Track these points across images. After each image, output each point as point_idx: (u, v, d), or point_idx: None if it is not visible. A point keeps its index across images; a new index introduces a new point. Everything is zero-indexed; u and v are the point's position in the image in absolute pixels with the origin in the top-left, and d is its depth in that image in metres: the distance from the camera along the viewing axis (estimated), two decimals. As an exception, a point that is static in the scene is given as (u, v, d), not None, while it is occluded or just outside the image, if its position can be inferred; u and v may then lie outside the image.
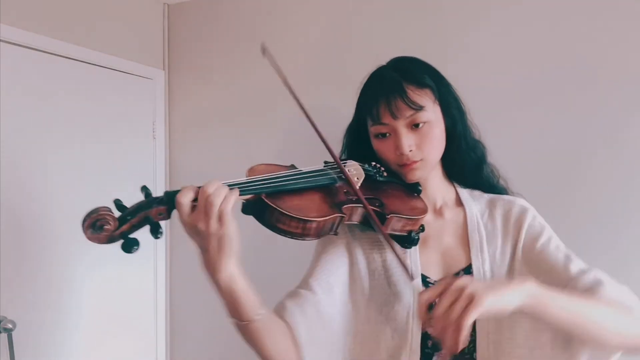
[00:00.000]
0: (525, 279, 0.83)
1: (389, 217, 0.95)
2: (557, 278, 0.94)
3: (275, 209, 0.83)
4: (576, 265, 0.95)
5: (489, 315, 0.77)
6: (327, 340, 0.98)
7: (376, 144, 1.05)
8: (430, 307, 0.79)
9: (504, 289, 0.78)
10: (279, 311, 0.94)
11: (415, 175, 1.03)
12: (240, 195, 0.82)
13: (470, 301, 0.74)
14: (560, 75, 1.60)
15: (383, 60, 1.11)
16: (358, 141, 1.10)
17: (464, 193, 1.10)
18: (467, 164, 1.09)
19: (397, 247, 1.01)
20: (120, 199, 0.80)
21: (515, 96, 1.65)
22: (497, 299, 0.76)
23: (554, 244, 0.99)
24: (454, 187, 1.12)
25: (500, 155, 1.17)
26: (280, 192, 0.87)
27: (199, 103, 2.25)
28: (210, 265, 0.81)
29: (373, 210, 0.95)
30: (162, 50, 2.32)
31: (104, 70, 2.04)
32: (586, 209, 1.57)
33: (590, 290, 0.89)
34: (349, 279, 1.03)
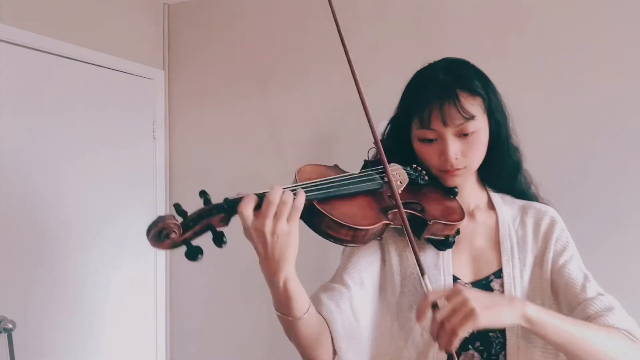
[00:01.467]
0: (526, 302, 0.87)
1: (430, 223, 0.96)
2: (572, 296, 0.97)
3: (327, 215, 0.84)
4: (593, 288, 0.98)
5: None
6: (360, 334, 1.00)
7: (420, 147, 1.04)
8: (434, 306, 0.83)
9: (502, 310, 0.83)
10: (315, 305, 0.95)
11: (455, 182, 1.04)
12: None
13: (468, 316, 0.79)
14: (569, 74, 1.60)
15: (384, 63, 1.09)
16: (398, 139, 1.09)
17: (496, 197, 1.11)
18: (504, 170, 1.09)
19: (432, 249, 1.03)
20: (181, 204, 0.79)
21: (529, 97, 1.64)
22: (493, 319, 0.81)
23: (576, 262, 1.01)
24: (487, 191, 1.13)
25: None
26: (332, 197, 0.87)
27: (199, 103, 2.25)
28: (270, 267, 0.82)
29: (414, 215, 0.96)
30: (162, 50, 2.32)
31: (104, 70, 2.04)
32: (601, 210, 1.56)
33: (600, 314, 0.92)
34: (380, 276, 1.04)
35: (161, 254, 2.24)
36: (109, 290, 2.01)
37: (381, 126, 1.10)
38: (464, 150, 1.00)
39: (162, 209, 2.22)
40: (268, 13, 2.10)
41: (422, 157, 1.04)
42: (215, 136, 2.21)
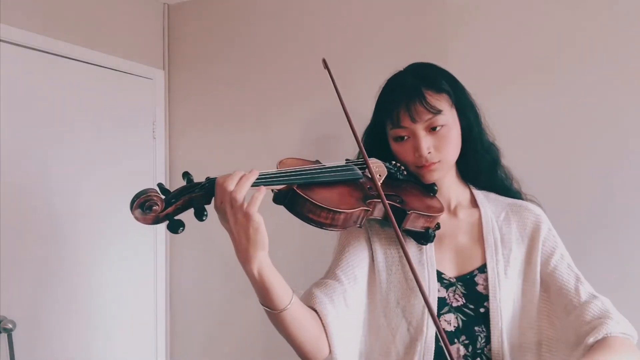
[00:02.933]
0: None
1: (409, 213, 0.99)
2: (567, 300, 1.00)
3: (307, 199, 0.88)
4: (585, 290, 1.00)
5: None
6: (356, 329, 1.03)
7: (395, 147, 1.09)
8: None
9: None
10: (308, 300, 0.98)
11: (433, 176, 1.07)
12: (271, 184, 0.87)
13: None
14: (569, 74, 1.60)
15: (383, 62, 1.12)
16: (376, 143, 1.13)
17: (479, 195, 1.14)
18: (482, 166, 1.13)
19: (413, 244, 1.06)
20: (163, 184, 0.84)
21: (523, 97, 1.65)
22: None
23: (566, 263, 1.04)
24: (469, 188, 1.16)
25: (510, 157, 1.19)
26: (311, 184, 0.92)
27: (199, 103, 2.25)
28: (241, 256, 0.85)
29: (394, 205, 0.99)
30: (162, 50, 2.32)
31: (104, 70, 2.04)
32: (594, 210, 1.56)
33: (598, 321, 0.94)
34: (369, 273, 1.07)
35: (161, 254, 2.24)
36: (109, 290, 2.01)
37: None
38: (436, 144, 1.04)
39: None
40: (268, 13, 2.10)
41: (399, 156, 1.09)
42: (215, 136, 2.21)
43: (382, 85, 1.12)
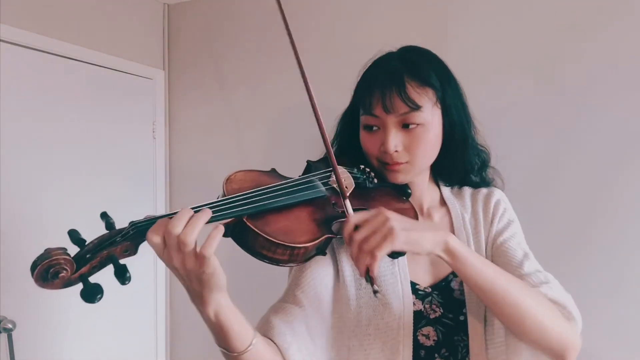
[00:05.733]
0: (449, 233, 0.80)
1: None
2: (513, 272, 0.91)
3: (259, 234, 0.73)
4: (531, 265, 0.93)
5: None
6: (318, 355, 0.91)
7: (362, 135, 0.97)
8: (356, 229, 0.76)
9: (423, 235, 0.78)
10: (266, 330, 0.87)
11: (398, 178, 0.96)
12: (218, 220, 0.72)
13: (387, 236, 0.74)
14: (567, 76, 1.59)
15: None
16: (350, 129, 1.02)
17: (446, 192, 1.07)
18: (457, 170, 1.04)
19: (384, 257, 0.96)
20: (77, 230, 0.65)
21: (520, 99, 1.64)
22: (411, 243, 0.76)
23: (516, 241, 0.98)
24: (438, 186, 1.08)
25: (503, 157, 1.17)
26: (265, 211, 0.76)
27: (199, 103, 2.25)
28: (196, 300, 0.75)
29: None
30: (162, 50, 2.32)
31: (104, 70, 2.04)
32: (590, 211, 1.56)
33: (538, 288, 0.88)
34: (334, 290, 0.94)
35: (161, 254, 2.23)
36: (109, 290, 2.00)
37: None
38: (406, 143, 0.92)
39: (162, 208, 2.22)
40: (268, 13, 2.10)
41: (364, 146, 0.97)
42: (215, 136, 2.21)
43: (367, 64, 1.00)
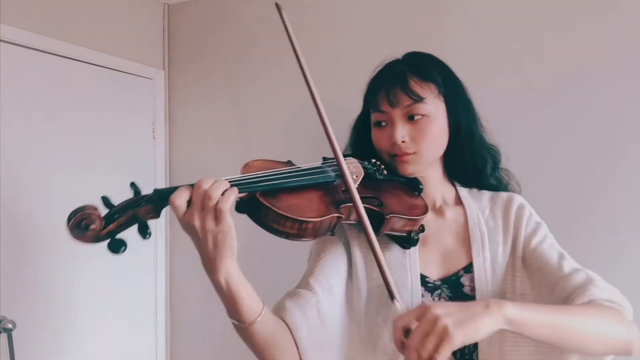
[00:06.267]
0: (502, 303, 0.78)
1: (387, 217, 0.93)
2: (549, 276, 0.94)
3: (270, 208, 0.80)
4: (569, 264, 0.95)
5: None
6: (328, 341, 0.96)
7: (374, 133, 1.05)
8: (407, 332, 0.75)
9: (479, 321, 0.74)
10: (279, 311, 0.92)
11: (407, 169, 1.01)
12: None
13: (443, 338, 0.70)
14: (571, 74, 1.59)
15: (380, 58, 1.10)
16: (363, 133, 1.09)
17: (463, 191, 1.09)
18: (468, 168, 1.08)
19: (396, 247, 1.00)
20: (108, 196, 0.76)
21: (526, 95, 1.64)
22: (471, 333, 0.73)
23: (548, 242, 0.99)
24: (454, 186, 1.11)
25: (506, 149, 1.16)
26: (277, 190, 0.84)
27: (199, 103, 2.25)
28: (208, 265, 0.79)
29: (371, 209, 0.92)
30: (162, 50, 2.32)
31: (104, 70, 2.04)
32: (600, 211, 1.55)
33: (581, 288, 0.89)
34: (347, 280, 1.00)
35: (161, 254, 2.24)
36: (109, 290, 2.01)
37: None
38: (413, 134, 0.99)
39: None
40: (268, 13, 2.09)
41: (375, 143, 1.04)
42: (215, 136, 2.21)
43: (373, 72, 1.09)
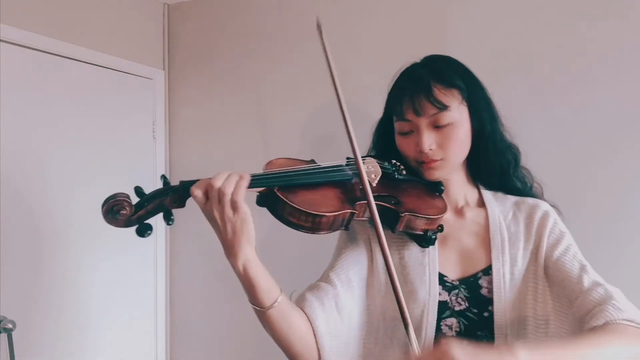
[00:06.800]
0: (516, 350, 0.76)
1: (402, 215, 0.95)
2: (569, 290, 0.94)
3: (286, 202, 0.85)
4: (589, 278, 0.94)
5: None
6: (346, 333, 0.99)
7: (399, 140, 1.05)
8: None
9: None
10: (299, 302, 0.97)
11: (434, 175, 1.03)
12: (252, 187, 0.85)
13: None
14: (571, 73, 1.59)
15: (381, 60, 1.10)
16: (385, 138, 1.10)
17: (487, 194, 1.09)
18: (494, 168, 1.08)
19: (415, 246, 1.02)
20: (141, 187, 0.85)
21: (535, 95, 1.63)
22: None
23: (571, 253, 0.98)
24: (478, 188, 1.11)
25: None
26: (295, 186, 0.89)
27: (199, 103, 2.25)
28: (228, 251, 0.85)
29: (387, 207, 0.95)
30: (162, 50, 2.32)
31: (104, 70, 2.04)
32: (606, 209, 1.55)
33: (598, 308, 0.88)
34: (368, 275, 1.04)
35: (161, 253, 2.24)
36: (109, 290, 2.01)
37: None
38: (439, 142, 0.99)
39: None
40: (268, 13, 2.10)
41: (401, 150, 1.05)
42: (215, 136, 2.21)
43: (394, 77, 1.08)
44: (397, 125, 1.04)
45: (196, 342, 2.23)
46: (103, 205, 0.81)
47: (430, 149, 0.99)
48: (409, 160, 1.04)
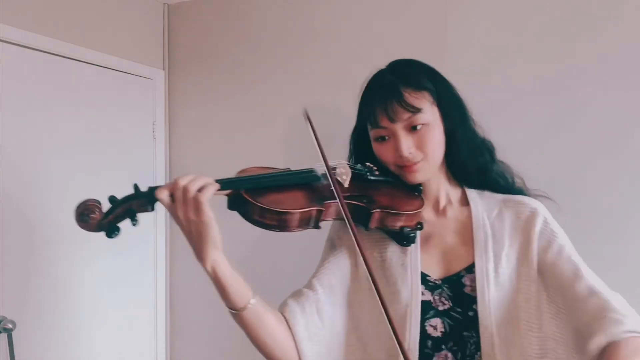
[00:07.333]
0: None
1: (373, 212, 0.96)
2: (566, 297, 0.92)
3: (250, 201, 0.89)
4: (585, 284, 0.91)
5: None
6: (329, 339, 0.99)
7: (376, 148, 1.05)
8: None
9: None
10: (281, 307, 0.98)
11: (417, 178, 1.02)
12: (221, 189, 0.88)
13: None
14: (569, 72, 1.59)
15: (382, 60, 1.11)
16: (362, 146, 1.10)
17: (472, 193, 1.08)
18: (469, 167, 1.07)
19: (395, 245, 1.02)
20: (115, 196, 0.90)
21: (524, 93, 1.64)
22: None
23: (565, 256, 0.96)
24: (462, 187, 1.10)
25: (508, 153, 1.14)
26: (263, 188, 0.92)
27: (199, 103, 2.25)
28: (196, 254, 0.87)
29: (357, 205, 0.97)
30: (162, 50, 2.32)
31: (104, 70, 2.04)
32: (594, 208, 1.55)
33: (598, 324, 0.85)
34: (351, 281, 1.04)
35: (161, 253, 2.24)
36: (109, 290, 2.01)
37: None
38: (417, 144, 0.99)
39: (162, 208, 2.21)
40: (268, 13, 2.10)
41: (380, 157, 1.05)
42: (215, 136, 2.21)
43: (362, 86, 1.08)
44: (373, 133, 1.04)
45: (196, 342, 2.23)
46: (75, 210, 0.88)
47: (410, 152, 0.99)
48: (389, 166, 1.04)
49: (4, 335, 1.62)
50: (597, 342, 0.83)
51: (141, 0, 2.23)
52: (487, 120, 1.13)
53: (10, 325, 1.61)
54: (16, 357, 1.63)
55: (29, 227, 1.77)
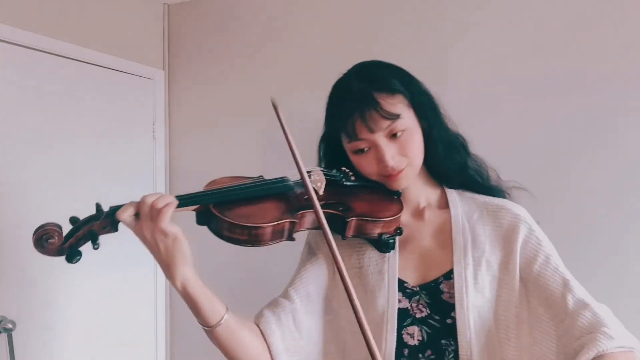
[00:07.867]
0: None
1: (349, 220, 0.92)
2: (554, 310, 0.90)
3: (218, 217, 0.84)
4: (574, 297, 0.89)
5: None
6: (306, 349, 0.96)
7: (355, 160, 0.98)
8: None
9: None
10: (256, 319, 0.95)
11: (402, 184, 0.98)
12: (183, 205, 0.84)
13: None
14: (555, 74, 1.60)
15: (382, 60, 1.08)
16: (333, 152, 1.05)
17: (453, 194, 1.04)
18: (447, 165, 1.02)
19: (375, 252, 0.99)
20: (77, 217, 0.83)
21: (510, 93, 1.64)
22: None
23: (552, 266, 0.92)
24: (442, 188, 1.06)
25: (492, 152, 1.11)
26: (232, 201, 0.88)
27: (199, 103, 2.25)
28: (165, 272, 0.83)
29: (333, 214, 0.92)
30: (162, 50, 2.32)
31: (104, 70, 2.04)
32: (579, 208, 1.56)
33: (589, 338, 0.84)
34: (329, 289, 1.00)
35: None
36: (109, 290, 2.01)
37: None
38: (400, 150, 0.94)
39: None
40: (268, 13, 2.10)
41: (361, 169, 0.99)
42: (215, 136, 2.21)
43: (329, 93, 1.01)
44: (351, 146, 0.97)
45: (196, 342, 2.23)
46: (33, 235, 0.81)
47: (394, 161, 0.94)
48: (371, 176, 0.99)
49: (4, 335, 1.62)
50: (587, 354, 0.82)
51: (141, 1, 2.23)
52: (484, 119, 1.12)
53: (10, 325, 1.61)
54: (16, 357, 1.63)
55: (29, 227, 1.76)
